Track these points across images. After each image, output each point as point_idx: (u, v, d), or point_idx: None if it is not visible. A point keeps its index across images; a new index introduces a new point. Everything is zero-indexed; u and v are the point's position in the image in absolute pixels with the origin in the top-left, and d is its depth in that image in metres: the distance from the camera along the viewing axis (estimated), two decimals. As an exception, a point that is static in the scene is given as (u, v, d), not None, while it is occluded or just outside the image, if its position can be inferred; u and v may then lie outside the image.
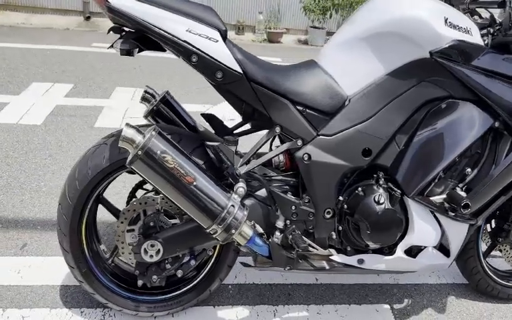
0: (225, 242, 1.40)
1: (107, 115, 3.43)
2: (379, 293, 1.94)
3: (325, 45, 1.58)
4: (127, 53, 1.32)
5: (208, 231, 1.36)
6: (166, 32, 1.29)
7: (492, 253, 1.97)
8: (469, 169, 1.55)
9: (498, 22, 1.59)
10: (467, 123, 1.46)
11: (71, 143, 2.91)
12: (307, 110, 1.45)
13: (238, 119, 1.56)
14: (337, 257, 1.58)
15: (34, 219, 2.15)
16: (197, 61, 1.32)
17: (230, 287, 1.87)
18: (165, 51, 1.41)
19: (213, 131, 1.63)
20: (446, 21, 1.41)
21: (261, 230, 1.47)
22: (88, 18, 7.50)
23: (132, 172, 1.49)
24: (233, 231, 1.35)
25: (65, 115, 3.34)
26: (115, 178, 1.50)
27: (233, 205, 1.35)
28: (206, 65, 1.33)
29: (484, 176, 1.53)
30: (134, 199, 1.53)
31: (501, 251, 1.92)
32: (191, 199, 1.32)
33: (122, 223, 1.52)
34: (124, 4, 1.27)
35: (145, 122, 1.75)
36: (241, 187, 1.39)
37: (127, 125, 1.29)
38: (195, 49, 1.31)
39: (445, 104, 1.47)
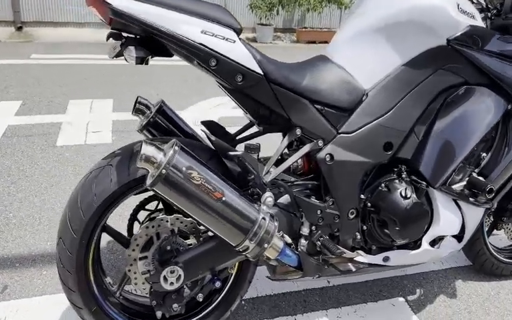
0: (256, 258, 1.30)
1: (68, 132, 3.17)
2: (391, 287, 1.92)
3: (334, 39, 1.51)
4: (141, 61, 1.17)
5: (238, 248, 1.25)
6: (180, 35, 1.16)
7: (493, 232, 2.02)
8: (484, 154, 1.55)
9: (493, 5, 1.61)
10: (484, 108, 1.46)
11: (33, 166, 2.64)
12: (326, 108, 1.38)
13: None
14: (362, 258, 1.52)
15: (10, 256, 1.91)
16: (216, 64, 1.20)
17: (244, 302, 1.75)
18: (171, 55, 1.28)
19: (213, 138, 1.51)
20: (458, 6, 1.39)
21: (289, 240, 1.38)
22: (20, 28, 6.99)
23: (141, 192, 1.36)
24: (266, 246, 1.25)
25: (21, 135, 3.04)
26: (122, 202, 1.34)
27: (263, 218, 1.24)
28: (226, 69, 1.22)
29: (499, 159, 1.54)
30: (147, 223, 1.37)
31: (503, 229, 1.96)
32: (220, 216, 1.20)
33: (133, 250, 1.36)
34: (130, 6, 1.13)
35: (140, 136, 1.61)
36: (269, 197, 1.29)
37: (146, 142, 1.15)
38: (213, 52, 1.19)
39: (461, 91, 1.46)
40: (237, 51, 1.22)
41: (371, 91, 1.41)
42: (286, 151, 1.49)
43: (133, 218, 1.61)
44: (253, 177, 1.30)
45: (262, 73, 1.26)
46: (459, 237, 1.63)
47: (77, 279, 1.31)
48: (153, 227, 1.36)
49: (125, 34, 1.24)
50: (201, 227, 1.41)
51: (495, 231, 2.02)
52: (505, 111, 1.49)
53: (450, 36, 1.38)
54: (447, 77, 1.43)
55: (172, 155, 1.13)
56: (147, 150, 1.13)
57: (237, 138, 1.57)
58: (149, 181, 1.15)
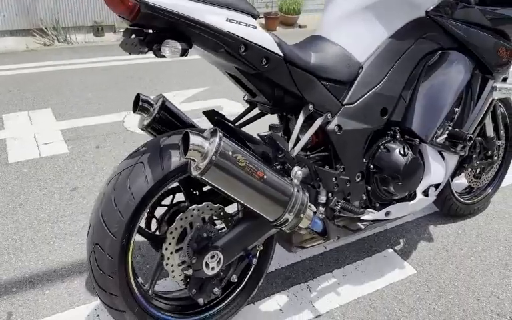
0: (292, 229, 1.38)
1: (16, 147, 2.94)
2: (379, 242, 2.10)
3: (326, 20, 1.62)
4: (184, 52, 1.18)
5: (277, 222, 1.32)
6: (211, 25, 1.19)
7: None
8: (456, 109, 1.77)
9: None
10: (457, 69, 1.67)
11: (-10, 188, 2.44)
12: (330, 83, 1.49)
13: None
14: (368, 216, 1.66)
15: (2, 283, 1.77)
16: (244, 50, 1.25)
17: (258, 279, 1.83)
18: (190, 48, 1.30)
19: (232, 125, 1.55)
20: None
21: (314, 209, 1.47)
22: None
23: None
24: (302, 216, 1.34)
25: (-37, 158, 2.77)
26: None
27: (298, 191, 1.33)
28: (254, 54, 1.27)
29: (469, 111, 1.77)
30: (180, 215, 1.38)
31: (463, 174, 2.23)
32: (262, 194, 1.26)
33: (170, 244, 1.37)
34: (161, 0, 1.13)
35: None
36: (298, 170, 1.37)
37: (191, 132, 1.16)
38: (241, 39, 1.24)
39: (437, 56, 1.65)
40: (260, 36, 1.28)
41: (365, 63, 1.55)
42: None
43: (151, 216, 1.60)
44: (282, 153, 1.37)
45: (282, 55, 1.33)
46: (436, 185, 1.85)
47: (119, 283, 1.29)
48: (186, 218, 1.38)
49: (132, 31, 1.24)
50: (230, 211, 1.47)
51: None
52: (472, 69, 1.72)
53: (428, 8, 1.56)
54: (426, 44, 1.62)
55: (219, 142, 1.16)
56: (196, 140, 1.14)
57: (236, 124, 1.63)
58: (196, 171, 1.17)
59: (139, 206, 1.26)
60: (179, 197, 1.59)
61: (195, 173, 1.18)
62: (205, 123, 1.52)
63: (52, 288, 1.74)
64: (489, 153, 2.14)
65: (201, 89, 4.25)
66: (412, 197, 1.72)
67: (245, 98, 1.66)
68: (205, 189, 1.54)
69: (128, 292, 1.33)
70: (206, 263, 1.34)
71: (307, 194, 1.36)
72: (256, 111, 1.64)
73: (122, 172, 1.29)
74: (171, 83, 4.49)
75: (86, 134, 3.14)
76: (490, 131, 2.10)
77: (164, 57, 1.22)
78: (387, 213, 1.69)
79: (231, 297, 1.55)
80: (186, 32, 1.20)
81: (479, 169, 2.24)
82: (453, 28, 1.63)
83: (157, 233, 1.56)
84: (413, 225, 2.24)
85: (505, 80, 1.88)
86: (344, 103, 1.51)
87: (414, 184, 1.64)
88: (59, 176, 2.59)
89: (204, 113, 1.59)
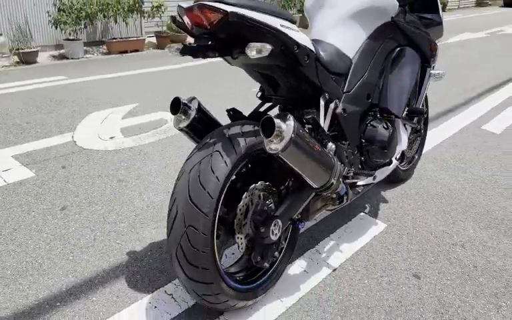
0: (334, 192, 1.70)
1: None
2: (352, 209, 2.53)
3: (316, 27, 1.98)
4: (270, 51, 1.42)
5: (324, 187, 1.63)
6: (277, 28, 1.46)
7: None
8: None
9: None
10: (412, 60, 2.17)
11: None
12: (335, 75, 1.86)
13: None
14: (362, 181, 2.07)
15: (41, 300, 1.75)
16: (297, 49, 1.54)
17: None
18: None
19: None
20: None
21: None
22: None
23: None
24: (340, 180, 1.68)
25: None
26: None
27: (335, 161, 1.66)
28: (301, 51, 1.57)
29: (419, 93, 2.30)
30: (246, 194, 1.60)
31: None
32: (319, 163, 1.56)
33: (239, 219, 1.59)
34: (242, 11, 1.38)
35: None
36: (332, 145, 1.71)
37: (273, 118, 1.40)
38: (294, 40, 1.53)
39: (397, 51, 2.14)
40: (303, 37, 1.59)
41: (353, 58, 1.95)
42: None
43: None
44: (320, 131, 1.69)
45: (315, 53, 1.66)
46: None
47: (212, 257, 1.47)
48: (250, 195, 1.61)
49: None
50: (278, 188, 1.73)
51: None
52: (419, 60, 2.25)
53: (393, 14, 2.04)
54: (390, 43, 2.09)
55: (294, 124, 1.44)
56: (279, 123, 1.40)
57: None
58: (277, 149, 1.42)
59: (223, 186, 1.46)
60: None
61: (275, 151, 1.43)
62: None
63: (96, 295, 1.79)
64: (418, 126, 2.74)
65: (133, 105, 4.29)
66: (390, 162, 2.17)
67: (258, 95, 1.94)
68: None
69: (215, 265, 1.51)
70: (272, 230, 1.60)
71: (339, 163, 1.70)
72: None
73: (201, 161, 1.47)
74: (100, 102, 4.43)
75: (42, 157, 3.02)
76: (421, 109, 2.70)
77: (233, 58, 1.48)
78: (374, 178, 2.12)
79: (276, 263, 1.81)
80: (258, 36, 1.45)
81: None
82: (406, 29, 2.13)
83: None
84: (371, 193, 2.73)
85: (433, 68, 2.48)
86: (344, 91, 1.89)
87: (394, 151, 2.09)
88: (40, 198, 2.51)
89: (227, 110, 1.84)
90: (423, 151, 3.11)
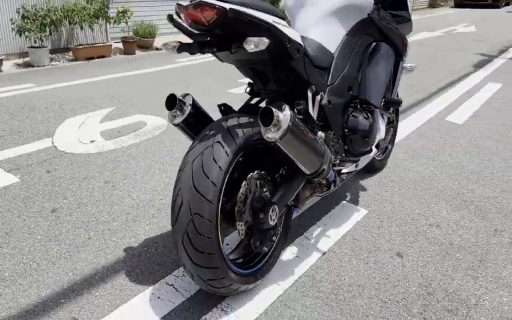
0: (324, 177, 1.81)
1: None
2: (334, 198, 2.66)
3: (299, 24, 2.09)
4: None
5: (316, 173, 1.74)
6: (271, 23, 1.56)
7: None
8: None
9: None
10: (387, 55, 2.32)
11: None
12: (319, 69, 1.97)
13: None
14: (346, 169, 2.20)
15: (45, 297, 1.76)
16: (289, 44, 1.64)
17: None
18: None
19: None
20: None
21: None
22: None
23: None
24: (331, 166, 1.79)
25: None
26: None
27: (325, 148, 1.77)
28: (293, 46, 1.67)
29: (393, 84, 2.45)
30: (244, 182, 1.68)
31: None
32: (311, 150, 1.67)
33: (239, 207, 1.67)
34: (236, 9, 1.46)
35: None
36: (322, 134, 1.82)
37: (271, 108, 1.50)
38: (286, 34, 1.63)
39: (373, 46, 2.28)
40: (293, 33, 1.69)
41: (335, 53, 2.07)
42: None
43: None
44: (311, 120, 1.80)
45: (304, 47, 1.76)
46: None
47: (217, 243, 1.55)
48: (248, 184, 1.69)
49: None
50: (272, 176, 1.82)
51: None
52: (393, 54, 2.41)
53: (370, 11, 2.17)
54: (367, 38, 2.23)
55: (291, 113, 1.54)
56: (277, 113, 1.50)
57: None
58: (275, 137, 1.51)
59: (225, 174, 1.54)
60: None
61: (273, 139, 1.52)
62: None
63: (99, 290, 1.83)
64: (393, 116, 2.90)
65: (109, 109, 4.28)
66: (370, 150, 2.31)
67: (247, 90, 2.03)
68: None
69: (220, 250, 1.58)
70: (270, 216, 1.69)
71: (329, 150, 1.82)
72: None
73: (204, 151, 1.54)
74: (75, 107, 4.38)
75: (24, 163, 2.99)
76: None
77: (231, 52, 1.56)
78: (357, 165, 2.25)
79: (273, 248, 1.90)
80: (254, 31, 1.53)
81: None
82: (381, 26, 2.28)
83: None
84: (350, 182, 2.87)
85: (404, 61, 2.64)
86: (328, 84, 2.01)
87: (374, 139, 2.23)
88: (28, 202, 2.50)
89: (218, 106, 1.92)
90: (395, 142, 3.29)
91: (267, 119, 1.48)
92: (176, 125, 1.84)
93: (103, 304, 1.75)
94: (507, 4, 20.65)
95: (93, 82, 5.49)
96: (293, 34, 1.68)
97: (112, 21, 8.10)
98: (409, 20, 2.58)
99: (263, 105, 1.95)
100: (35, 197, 2.54)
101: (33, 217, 2.34)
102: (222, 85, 5.38)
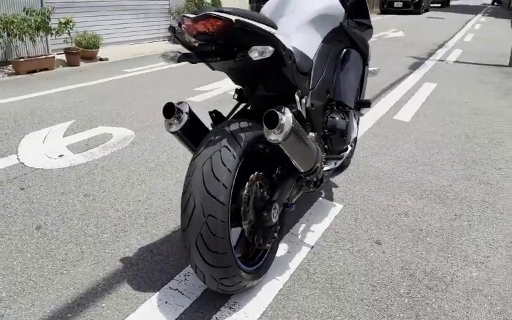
0: (316, 176, 1.93)
1: None
2: (309, 196, 2.81)
3: (282, 32, 2.20)
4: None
5: (311, 170, 1.86)
6: (271, 33, 1.66)
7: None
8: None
9: None
10: (356, 60, 2.50)
11: None
12: (302, 75, 2.10)
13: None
14: (327, 166, 2.34)
15: (50, 315, 1.72)
16: (284, 51, 1.74)
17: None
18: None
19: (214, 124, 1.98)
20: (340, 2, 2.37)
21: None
22: None
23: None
24: (322, 164, 1.92)
25: None
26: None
27: (317, 147, 1.90)
28: (287, 54, 1.77)
29: (362, 87, 2.64)
30: (247, 184, 1.76)
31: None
32: (307, 148, 1.78)
33: (244, 207, 1.74)
34: (241, 20, 1.55)
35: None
36: (312, 134, 1.94)
37: (276, 111, 1.58)
38: (281, 43, 1.73)
39: (344, 52, 2.45)
40: (287, 41, 1.80)
41: (313, 59, 2.21)
42: None
43: None
44: (305, 122, 1.92)
45: (294, 54, 1.87)
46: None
47: (229, 243, 1.61)
48: (250, 185, 1.77)
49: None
50: (269, 176, 1.91)
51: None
52: (362, 59, 2.60)
53: (341, 21, 2.34)
54: (339, 45, 2.39)
55: (292, 116, 1.64)
56: (282, 118, 1.59)
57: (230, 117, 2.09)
58: (278, 139, 1.59)
59: (233, 176, 1.61)
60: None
61: (277, 141, 1.60)
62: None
63: (105, 301, 1.82)
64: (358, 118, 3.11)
65: (68, 122, 4.14)
66: (346, 148, 2.48)
67: (235, 97, 2.12)
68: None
69: (231, 249, 1.65)
70: (273, 214, 1.78)
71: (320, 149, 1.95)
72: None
73: (212, 156, 1.60)
74: (32, 122, 4.18)
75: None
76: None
77: (235, 61, 1.64)
78: (335, 163, 2.41)
79: (272, 242, 1.99)
80: (256, 40, 1.62)
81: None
82: (350, 33, 2.46)
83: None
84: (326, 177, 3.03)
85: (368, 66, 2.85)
86: (310, 88, 2.14)
87: (350, 138, 2.40)
88: (9, 221, 2.41)
89: (209, 112, 1.99)
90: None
91: (272, 121, 1.57)
92: (173, 133, 1.87)
93: (111, 314, 1.75)
94: (426, 10, 22.26)
95: (44, 95, 5.27)
96: (286, 42, 1.79)
97: (54, 32, 7.78)
98: (370, 26, 2.79)
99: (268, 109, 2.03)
100: (15, 216, 2.45)
101: (17, 236, 2.26)
102: (180, 92, 5.39)
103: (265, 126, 1.58)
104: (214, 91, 5.53)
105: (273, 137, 1.61)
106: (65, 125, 4.05)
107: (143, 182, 2.92)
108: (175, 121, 1.85)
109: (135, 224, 2.40)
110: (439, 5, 25.13)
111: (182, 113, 1.86)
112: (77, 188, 2.80)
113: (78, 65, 8.05)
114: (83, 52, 8.38)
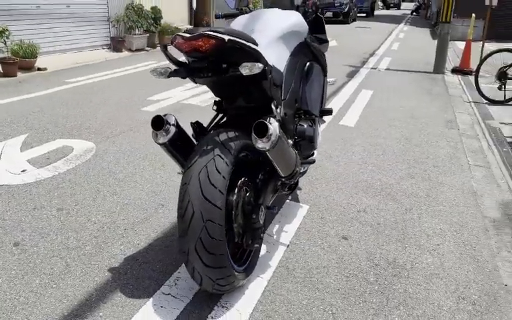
0: (295, 179, 2.10)
1: None
2: (277, 199, 2.98)
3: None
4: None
5: (291, 174, 2.02)
6: (257, 51, 1.80)
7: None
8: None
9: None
10: (319, 72, 2.71)
11: None
12: (275, 86, 2.25)
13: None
14: (301, 169, 2.51)
15: None
16: (266, 66, 1.88)
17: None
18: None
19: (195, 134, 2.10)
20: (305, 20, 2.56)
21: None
22: None
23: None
24: (301, 168, 2.09)
25: None
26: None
27: (296, 153, 2.07)
28: (269, 68, 1.91)
29: (323, 97, 2.86)
30: (236, 189, 1.87)
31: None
32: (289, 154, 1.94)
33: (235, 210, 1.86)
34: (232, 39, 1.68)
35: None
36: (291, 140, 2.11)
37: (264, 121, 1.72)
38: (264, 59, 1.87)
39: (308, 65, 2.65)
40: (268, 56, 1.95)
41: (283, 72, 2.38)
42: None
43: None
44: (283, 130, 2.07)
45: (272, 68, 2.02)
46: None
47: (225, 244, 1.73)
48: (239, 190, 1.90)
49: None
50: (253, 181, 2.05)
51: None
52: (322, 72, 2.81)
53: (306, 36, 2.54)
54: (304, 58, 2.58)
55: (278, 125, 1.79)
56: (270, 127, 1.73)
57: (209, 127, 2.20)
58: (266, 147, 1.73)
59: (227, 182, 1.73)
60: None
61: (265, 148, 1.74)
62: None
63: (102, 310, 1.85)
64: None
65: (22, 136, 3.97)
66: (313, 153, 2.68)
67: (214, 108, 2.23)
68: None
69: (227, 250, 1.76)
70: (260, 216, 1.92)
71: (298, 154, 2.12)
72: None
73: (207, 164, 1.70)
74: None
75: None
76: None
77: (226, 76, 1.76)
78: (305, 166, 2.60)
79: (258, 241, 2.12)
80: (244, 57, 1.75)
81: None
82: (312, 47, 2.67)
83: None
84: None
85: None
86: (282, 98, 2.31)
87: (317, 144, 2.60)
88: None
89: (191, 123, 2.09)
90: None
91: (261, 131, 1.72)
92: (161, 144, 1.94)
93: (111, 322, 1.79)
94: (354, 20, 23.50)
95: (-15, 108, 4.98)
96: (268, 57, 1.94)
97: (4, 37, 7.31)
98: (327, 41, 3.02)
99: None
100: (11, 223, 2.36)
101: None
102: (133, 102, 5.34)
103: (254, 135, 1.72)
104: (167, 100, 5.55)
105: (261, 144, 1.74)
106: (19, 139, 3.90)
107: (114, 193, 2.92)
108: (163, 133, 1.92)
109: (115, 235, 2.43)
110: (365, 15, 26.64)
111: (170, 125, 1.94)
112: (48, 202, 2.74)
113: (15, 76, 7.63)
114: (20, 62, 7.96)
